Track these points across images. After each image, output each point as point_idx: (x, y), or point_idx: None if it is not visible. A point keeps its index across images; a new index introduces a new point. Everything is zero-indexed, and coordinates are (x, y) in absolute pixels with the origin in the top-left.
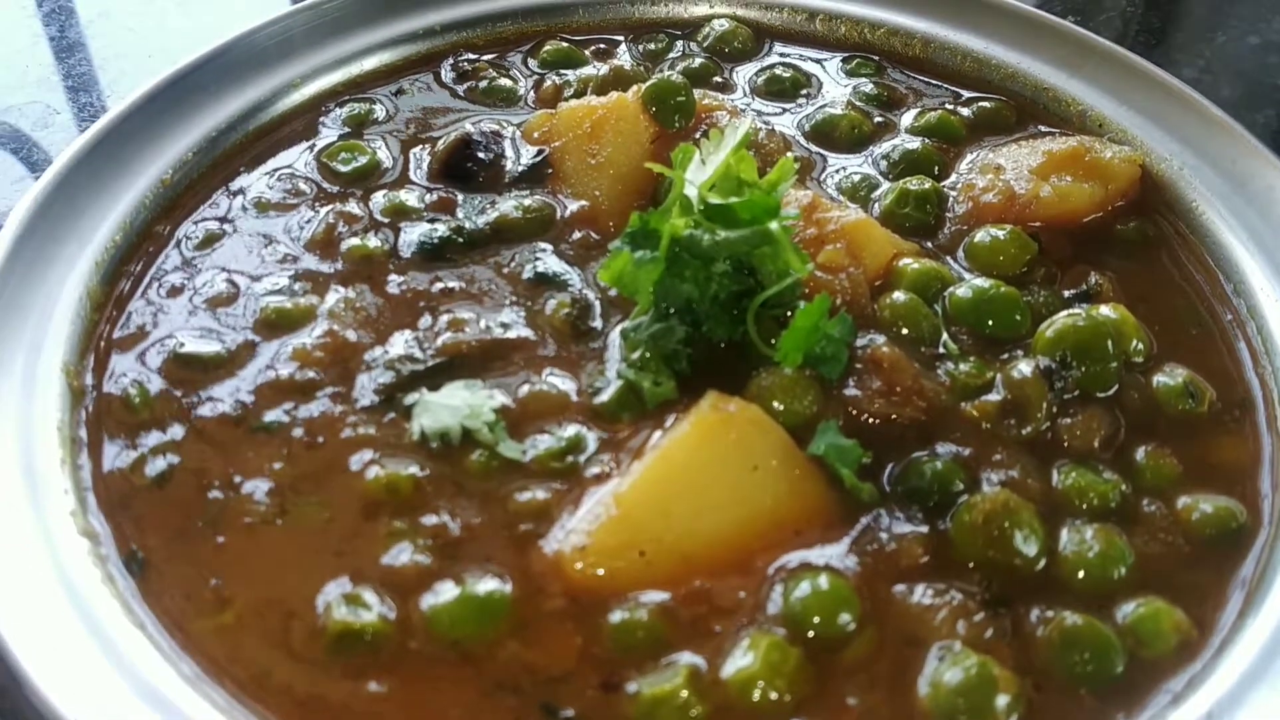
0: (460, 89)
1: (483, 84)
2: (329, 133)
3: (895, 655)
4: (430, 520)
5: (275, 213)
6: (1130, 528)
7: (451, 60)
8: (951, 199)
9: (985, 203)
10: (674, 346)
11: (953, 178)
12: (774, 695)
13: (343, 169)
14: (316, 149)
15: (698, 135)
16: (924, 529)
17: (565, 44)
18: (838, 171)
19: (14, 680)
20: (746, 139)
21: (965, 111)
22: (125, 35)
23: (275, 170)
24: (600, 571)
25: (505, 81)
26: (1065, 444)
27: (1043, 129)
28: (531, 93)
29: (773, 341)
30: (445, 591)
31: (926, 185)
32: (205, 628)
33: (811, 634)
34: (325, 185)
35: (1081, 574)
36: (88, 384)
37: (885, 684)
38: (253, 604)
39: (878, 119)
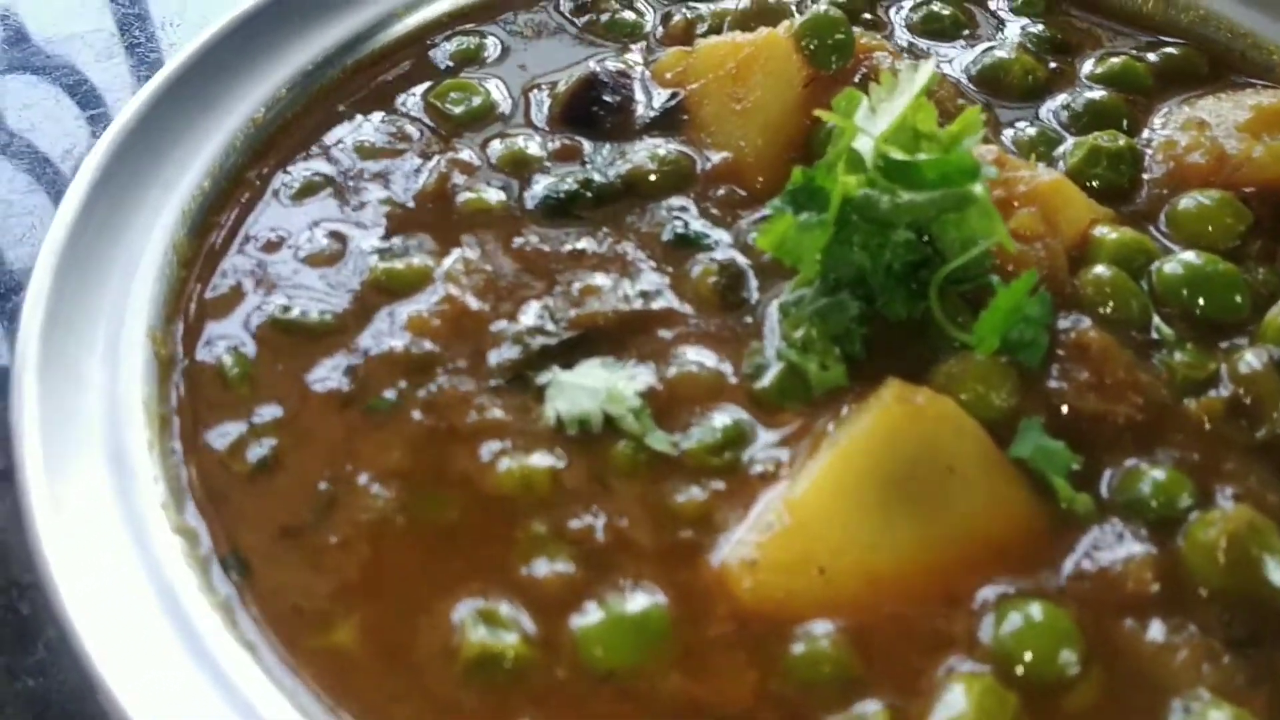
0: (579, 22)
1: (604, 18)
2: (436, 69)
3: (1128, 704)
4: (574, 524)
5: (380, 159)
6: None
7: None
8: (1148, 158)
9: (1190, 163)
10: (846, 325)
11: (1146, 134)
12: None
13: (455, 111)
14: (424, 88)
15: (855, 79)
16: (1152, 549)
17: None
18: (1009, 124)
19: (104, 706)
20: (930, 85)
21: (1151, 57)
22: None
23: (378, 111)
24: (774, 591)
25: (629, 15)
26: None
27: (1242, 80)
28: (659, 28)
29: (959, 320)
30: (594, 611)
31: (1121, 142)
32: (318, 646)
33: (1021, 672)
34: (435, 129)
35: None
36: (177, 352)
37: None
38: (373, 618)
39: (1051, 65)
